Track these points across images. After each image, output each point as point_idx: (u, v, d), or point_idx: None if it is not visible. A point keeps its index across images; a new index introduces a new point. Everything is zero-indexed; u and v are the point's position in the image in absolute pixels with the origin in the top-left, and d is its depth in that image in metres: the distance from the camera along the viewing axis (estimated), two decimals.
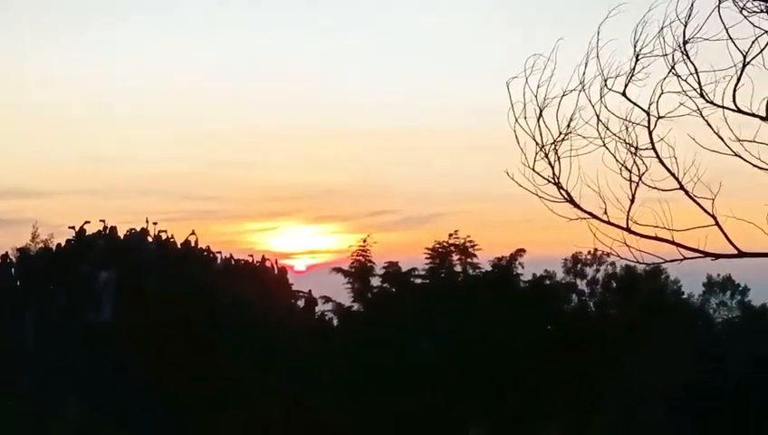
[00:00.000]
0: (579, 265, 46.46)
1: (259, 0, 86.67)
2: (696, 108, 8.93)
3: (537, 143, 9.40)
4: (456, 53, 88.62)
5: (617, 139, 9.24)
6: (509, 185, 9.44)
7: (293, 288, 49.22)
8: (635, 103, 9.19)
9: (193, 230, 48.46)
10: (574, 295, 46.27)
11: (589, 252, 45.27)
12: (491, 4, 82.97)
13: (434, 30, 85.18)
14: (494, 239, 78.84)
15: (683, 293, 48.77)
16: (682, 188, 9.08)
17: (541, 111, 9.36)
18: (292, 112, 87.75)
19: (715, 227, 9.00)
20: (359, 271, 43.91)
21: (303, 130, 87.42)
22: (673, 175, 9.09)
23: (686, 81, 8.91)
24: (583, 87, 9.22)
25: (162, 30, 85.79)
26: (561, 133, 9.35)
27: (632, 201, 9.18)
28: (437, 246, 44.19)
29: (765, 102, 8.77)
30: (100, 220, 47.52)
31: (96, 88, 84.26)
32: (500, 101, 9.47)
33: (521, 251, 44.29)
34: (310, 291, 47.65)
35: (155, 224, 47.78)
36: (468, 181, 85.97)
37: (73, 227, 46.50)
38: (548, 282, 45.56)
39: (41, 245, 45.64)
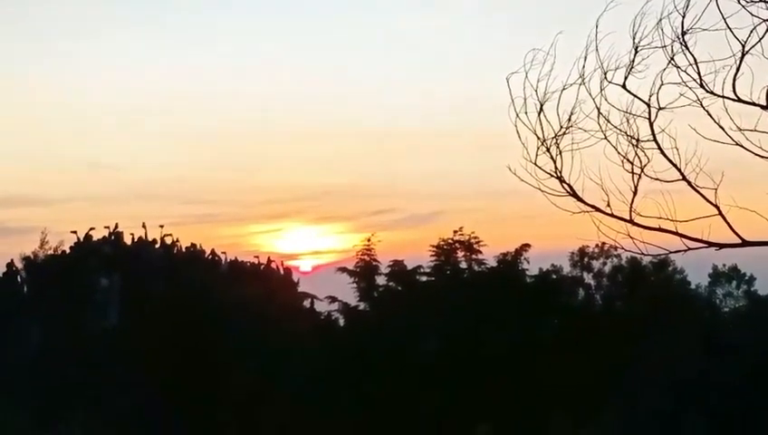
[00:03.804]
0: (585, 259, 46.33)
1: (258, 4, 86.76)
2: (696, 98, 8.89)
3: (538, 138, 9.38)
4: (455, 50, 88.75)
5: (618, 131, 9.20)
6: (512, 180, 9.41)
7: (299, 289, 49.29)
8: (635, 95, 9.17)
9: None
10: (581, 289, 46.20)
11: (596, 245, 45.17)
12: (489, 1, 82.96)
13: (433, 28, 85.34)
14: (499, 235, 78.90)
15: (689, 283, 48.72)
16: (684, 178, 9.05)
17: (541, 106, 9.33)
18: (292, 114, 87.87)
19: (719, 216, 8.97)
20: (364, 270, 43.94)
21: (303, 132, 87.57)
22: (675, 166, 9.07)
23: (685, 71, 8.87)
24: (583, 80, 9.19)
25: (162, 35, 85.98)
26: (562, 127, 9.33)
27: (635, 193, 9.14)
28: (442, 243, 44.23)
29: (765, 91, 8.74)
30: (105, 227, 47.62)
31: (96, 94, 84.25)
32: (501, 96, 9.46)
33: (526, 246, 44.36)
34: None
35: (161, 227, 47.93)
36: (471, 178, 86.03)
37: (75, 232, 46.56)
38: (554, 276, 45.53)
39: (50, 252, 45.68)
